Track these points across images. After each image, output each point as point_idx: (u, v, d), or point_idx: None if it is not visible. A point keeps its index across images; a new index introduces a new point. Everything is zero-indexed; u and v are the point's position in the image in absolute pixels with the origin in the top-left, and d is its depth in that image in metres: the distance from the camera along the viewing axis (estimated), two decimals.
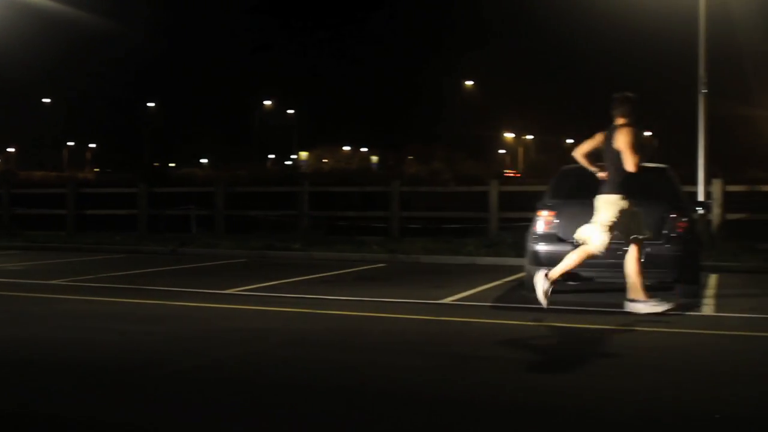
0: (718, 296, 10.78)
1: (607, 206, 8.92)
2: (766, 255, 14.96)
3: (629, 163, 8.77)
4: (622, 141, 8.83)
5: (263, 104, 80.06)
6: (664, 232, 10.06)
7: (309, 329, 8.48)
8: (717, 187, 16.85)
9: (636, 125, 8.97)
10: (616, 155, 8.90)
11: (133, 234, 21.24)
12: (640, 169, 8.85)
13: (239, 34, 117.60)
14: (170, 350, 7.37)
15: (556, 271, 9.07)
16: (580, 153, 9.46)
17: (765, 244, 15.97)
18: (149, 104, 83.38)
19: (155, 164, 72.47)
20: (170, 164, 78.36)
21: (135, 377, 6.38)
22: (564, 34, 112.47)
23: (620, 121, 8.99)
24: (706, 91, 16.42)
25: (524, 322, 8.80)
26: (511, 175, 48.86)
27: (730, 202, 16.92)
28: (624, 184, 8.89)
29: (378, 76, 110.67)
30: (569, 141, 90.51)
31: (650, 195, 10.62)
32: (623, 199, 8.89)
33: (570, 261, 9.10)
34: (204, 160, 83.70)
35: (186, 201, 22.38)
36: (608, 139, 9.05)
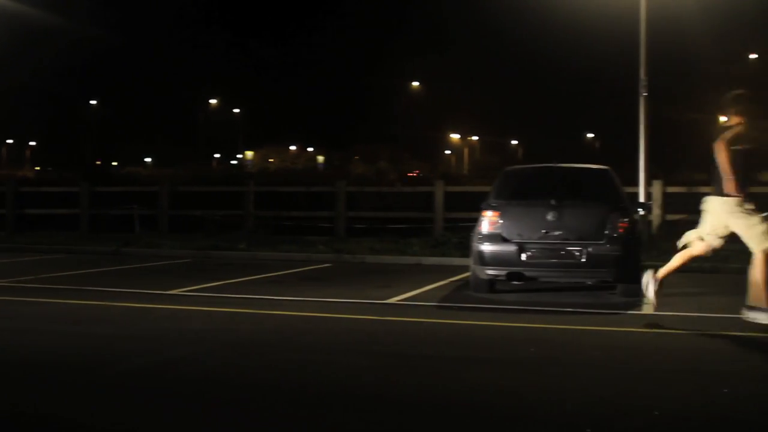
0: (658, 295, 10.98)
1: (736, 212, 8.25)
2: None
3: (721, 163, 8.08)
4: (725, 138, 8.11)
5: (208, 103, 79.34)
6: (606, 232, 10.25)
7: (254, 329, 8.45)
8: (657, 188, 17.21)
9: (750, 124, 8.25)
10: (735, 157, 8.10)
11: (74, 234, 20.91)
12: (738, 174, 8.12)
13: (184, 31, 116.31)
14: (114, 351, 7.26)
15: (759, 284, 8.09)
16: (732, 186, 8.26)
17: None
18: (92, 102, 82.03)
19: (97, 163, 71.32)
20: (113, 163, 77.19)
21: (81, 377, 6.29)
22: (509, 36, 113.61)
23: (733, 120, 8.35)
24: (646, 93, 16.75)
25: (469, 322, 8.88)
26: (414, 175, 49.31)
27: (669, 202, 17.29)
28: (739, 184, 8.16)
29: (324, 76, 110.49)
30: (513, 142, 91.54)
31: (592, 196, 10.83)
32: (744, 199, 8.21)
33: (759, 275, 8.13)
34: (148, 159, 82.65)
35: (129, 200, 22.09)
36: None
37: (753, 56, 58.76)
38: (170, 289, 11.41)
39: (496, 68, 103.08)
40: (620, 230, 10.27)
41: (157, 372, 6.54)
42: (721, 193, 8.34)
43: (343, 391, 5.93)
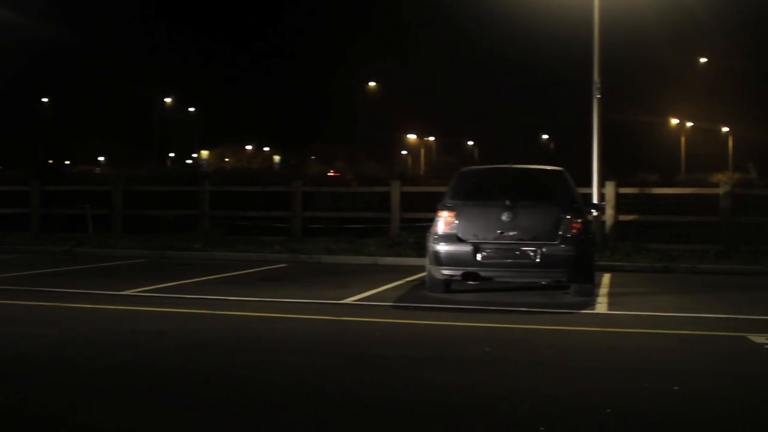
0: (611, 295, 11.16)
1: None
2: (656, 254, 15.58)
3: None
4: None
5: (163, 102, 78.55)
6: (560, 233, 10.36)
7: (209, 330, 8.40)
8: (610, 189, 17.44)
9: None
10: None
11: (25, 234, 20.56)
12: None
13: (138, 29, 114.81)
14: (67, 353, 7.17)
15: None
16: None
17: (655, 244, 16.64)
18: (43, 99, 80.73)
19: (49, 162, 70.15)
20: (65, 162, 76.01)
21: (35, 378, 6.21)
22: (465, 38, 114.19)
23: None
24: (599, 95, 16.96)
25: (425, 322, 8.92)
26: (333, 174, 49.26)
27: (622, 203, 17.55)
28: None
29: (280, 76, 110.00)
30: (470, 143, 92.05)
31: (547, 197, 10.94)
32: None
33: None
34: (101, 158, 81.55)
35: (82, 200, 21.77)
36: None
37: (703, 60, 59.86)
38: (124, 290, 11.29)
39: (453, 69, 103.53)
40: (574, 231, 10.40)
41: (112, 373, 6.47)
42: None
43: (298, 391, 5.92)
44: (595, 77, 16.96)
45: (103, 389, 6.00)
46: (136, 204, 21.35)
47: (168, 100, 79.10)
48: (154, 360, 6.97)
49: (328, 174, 50.79)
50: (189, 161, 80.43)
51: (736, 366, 6.94)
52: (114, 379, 6.32)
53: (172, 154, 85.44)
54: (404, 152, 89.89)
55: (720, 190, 17.56)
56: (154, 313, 9.50)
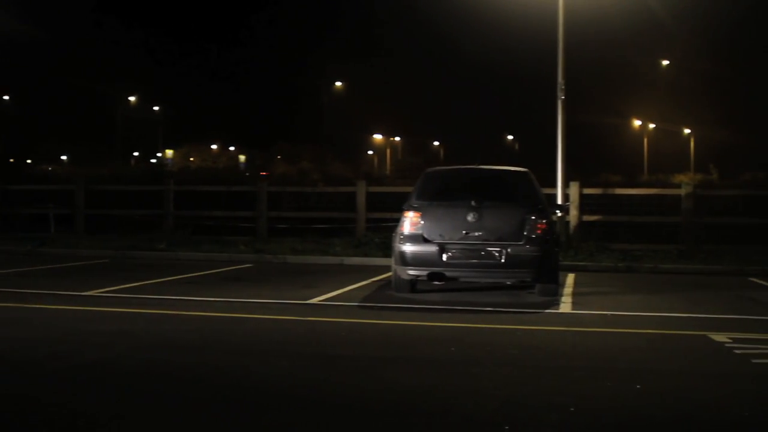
0: (575, 294, 11.27)
1: None
2: (620, 254, 15.75)
3: None
4: None
5: (128, 101, 77.88)
6: (525, 233, 10.43)
7: (174, 330, 8.35)
8: (574, 189, 17.60)
9: None
10: None
11: None
12: None
13: (102, 27, 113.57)
14: (28, 355, 7.08)
15: None
16: None
17: (618, 244, 16.83)
18: (4, 97, 79.63)
19: (10, 160, 69.15)
20: (27, 161, 74.99)
21: (3, 377, 6.15)
22: (431, 38, 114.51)
23: None
24: (564, 97, 17.11)
25: (391, 322, 8.94)
26: (264, 174, 49.34)
27: (586, 203, 17.72)
28: None
29: (246, 75, 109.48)
30: (435, 143, 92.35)
31: (511, 198, 11.01)
32: None
33: None
34: (64, 157, 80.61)
35: (44, 199, 21.51)
36: None
37: (665, 62, 60.62)
38: (87, 290, 11.18)
39: (419, 70, 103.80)
40: (538, 231, 10.48)
41: (80, 372, 6.41)
42: None
43: (263, 391, 5.91)
44: (560, 78, 17.11)
45: (71, 388, 5.94)
46: (100, 203, 21.13)
47: (132, 98, 78.50)
48: (121, 360, 6.92)
49: (261, 173, 50.80)
50: (153, 160, 79.77)
51: (698, 365, 7.05)
52: (82, 378, 6.26)
53: (136, 154, 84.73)
54: (370, 152, 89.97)
55: (682, 191, 17.79)
56: (119, 314, 9.42)
